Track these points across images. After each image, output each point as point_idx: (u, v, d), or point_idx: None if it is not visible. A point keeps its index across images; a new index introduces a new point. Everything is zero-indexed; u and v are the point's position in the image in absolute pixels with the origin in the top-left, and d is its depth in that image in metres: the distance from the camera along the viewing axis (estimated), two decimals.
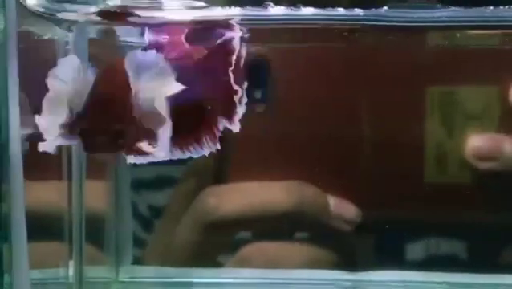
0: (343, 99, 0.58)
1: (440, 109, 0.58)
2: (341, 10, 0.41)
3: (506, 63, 0.56)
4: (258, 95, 0.58)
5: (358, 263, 0.59)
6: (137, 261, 0.59)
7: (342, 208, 0.58)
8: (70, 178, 0.51)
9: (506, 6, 0.42)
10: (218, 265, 0.59)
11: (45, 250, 0.50)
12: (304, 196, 0.58)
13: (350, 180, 0.58)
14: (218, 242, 0.59)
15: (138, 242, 0.60)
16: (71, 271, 0.51)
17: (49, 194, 0.50)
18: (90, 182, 0.53)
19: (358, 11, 0.41)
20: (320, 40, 0.50)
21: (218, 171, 0.59)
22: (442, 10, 0.42)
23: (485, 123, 0.57)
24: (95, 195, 0.54)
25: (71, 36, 0.47)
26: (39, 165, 0.46)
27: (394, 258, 0.59)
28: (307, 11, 0.41)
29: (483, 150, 0.57)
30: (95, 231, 0.55)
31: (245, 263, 0.59)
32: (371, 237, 0.59)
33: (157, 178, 0.60)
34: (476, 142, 0.57)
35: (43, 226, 0.48)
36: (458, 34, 0.48)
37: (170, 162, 0.58)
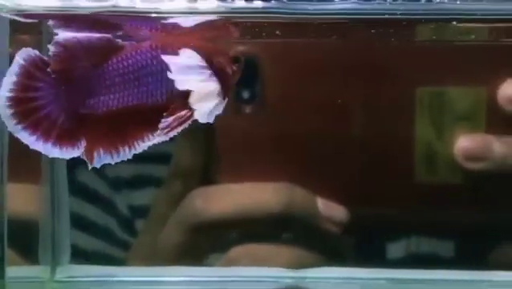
0: (330, 98, 0.57)
1: (429, 109, 0.58)
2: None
3: (494, 62, 0.56)
4: (246, 95, 0.57)
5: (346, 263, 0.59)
6: (76, 260, 0.59)
7: (330, 209, 0.58)
8: None
9: None
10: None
11: None
12: (293, 197, 0.57)
13: (338, 180, 0.58)
14: (206, 244, 0.58)
15: (118, 243, 0.60)
16: None
17: None
18: (16, 184, 0.51)
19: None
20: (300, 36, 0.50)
21: (206, 172, 0.58)
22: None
23: (473, 123, 0.57)
24: (23, 197, 0.53)
25: None
26: None
27: (381, 256, 0.59)
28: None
29: (471, 151, 0.57)
30: (24, 232, 0.54)
31: (233, 265, 0.58)
32: (359, 236, 0.59)
33: (136, 177, 0.59)
34: (464, 143, 0.57)
35: None
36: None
37: (149, 161, 0.58)
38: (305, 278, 0.58)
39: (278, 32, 0.46)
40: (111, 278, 0.58)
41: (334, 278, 0.58)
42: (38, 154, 0.51)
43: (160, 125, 0.41)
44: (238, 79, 0.42)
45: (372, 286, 0.58)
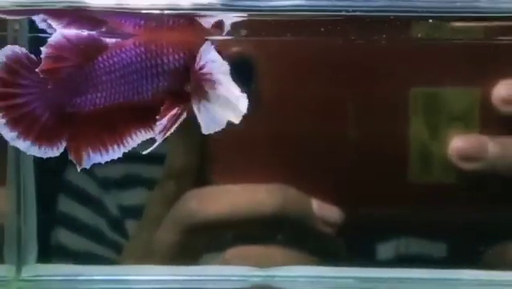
0: (324, 99, 0.57)
1: (423, 109, 0.58)
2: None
3: (488, 62, 0.56)
4: None
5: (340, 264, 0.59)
6: (43, 259, 0.58)
7: (325, 210, 0.58)
8: None
9: None
10: None
11: None
12: (287, 198, 0.57)
13: (333, 181, 0.58)
14: (201, 245, 0.58)
15: (107, 244, 0.60)
16: None
17: None
18: None
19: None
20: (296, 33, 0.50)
21: (199, 173, 0.58)
22: None
23: (467, 123, 0.57)
24: None
25: None
26: None
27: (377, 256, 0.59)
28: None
29: (465, 151, 0.57)
30: None
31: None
32: (354, 237, 0.59)
33: (125, 177, 0.59)
34: (458, 143, 0.57)
35: None
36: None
37: (139, 161, 0.58)
38: (274, 276, 0.58)
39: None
40: (77, 277, 0.58)
41: (303, 276, 0.58)
42: (3, 155, 0.51)
43: (156, 129, 0.41)
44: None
45: (340, 284, 0.58)
